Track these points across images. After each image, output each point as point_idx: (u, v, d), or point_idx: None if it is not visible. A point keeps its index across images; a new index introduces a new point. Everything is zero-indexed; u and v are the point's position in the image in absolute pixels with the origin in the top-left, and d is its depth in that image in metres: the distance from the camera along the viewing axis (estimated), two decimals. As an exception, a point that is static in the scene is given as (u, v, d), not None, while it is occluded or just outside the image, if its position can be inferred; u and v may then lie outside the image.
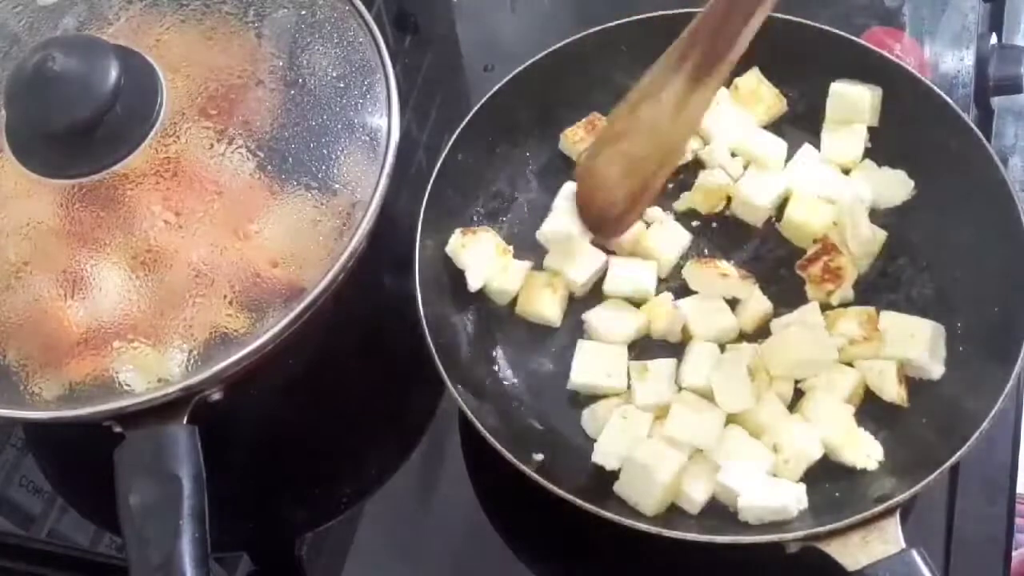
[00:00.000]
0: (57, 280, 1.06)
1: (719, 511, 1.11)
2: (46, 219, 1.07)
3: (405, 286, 1.19)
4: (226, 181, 1.09)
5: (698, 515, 1.10)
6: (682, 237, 1.28)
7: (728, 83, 1.35)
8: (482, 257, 1.24)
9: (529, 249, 1.30)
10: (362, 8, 1.20)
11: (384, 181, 1.11)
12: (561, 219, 1.28)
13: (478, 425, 1.10)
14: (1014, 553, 1.15)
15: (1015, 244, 1.16)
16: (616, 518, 1.04)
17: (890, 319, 1.18)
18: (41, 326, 1.05)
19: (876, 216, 1.27)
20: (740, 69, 1.33)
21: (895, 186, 1.28)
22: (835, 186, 1.27)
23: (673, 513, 1.11)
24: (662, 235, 1.28)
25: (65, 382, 1.04)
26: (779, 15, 1.32)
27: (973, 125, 1.24)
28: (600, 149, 1.17)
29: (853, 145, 1.29)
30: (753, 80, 1.33)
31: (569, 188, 1.30)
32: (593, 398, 1.20)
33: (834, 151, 1.30)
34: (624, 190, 1.15)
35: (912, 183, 1.28)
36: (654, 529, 1.04)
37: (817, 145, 1.31)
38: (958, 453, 1.05)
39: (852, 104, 1.29)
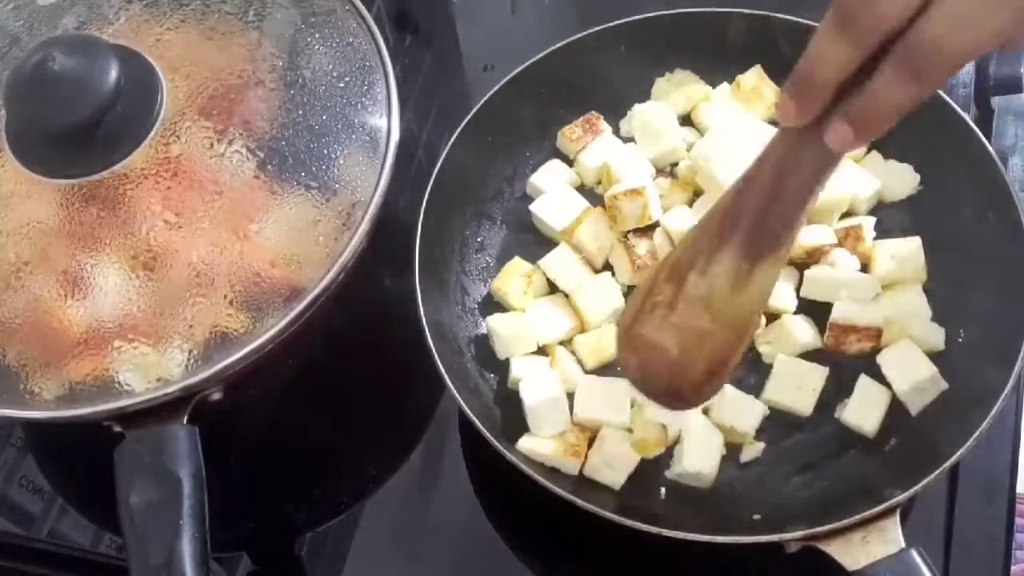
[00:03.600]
0: (57, 280, 1.06)
1: (718, 509, 1.12)
2: (46, 219, 1.07)
3: (405, 286, 1.18)
4: (226, 181, 1.09)
5: (697, 515, 1.11)
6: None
7: (730, 79, 1.35)
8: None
9: (526, 248, 1.30)
10: (362, 8, 1.20)
11: (384, 181, 1.12)
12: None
13: (478, 425, 1.10)
14: (1015, 568, 1.15)
15: (1015, 244, 1.16)
16: (616, 518, 1.04)
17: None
18: (41, 326, 1.05)
19: (881, 210, 1.28)
20: (742, 67, 1.34)
21: (902, 179, 1.28)
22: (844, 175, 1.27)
23: (671, 511, 1.11)
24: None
25: (65, 382, 1.04)
26: (779, 15, 1.32)
27: (973, 125, 1.23)
28: (642, 318, 1.02)
29: None
30: (755, 78, 1.33)
31: (555, 164, 1.33)
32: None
33: None
34: (698, 363, 1.01)
35: (919, 176, 1.27)
36: (654, 529, 1.03)
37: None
38: (958, 453, 1.05)
39: None
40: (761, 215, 0.94)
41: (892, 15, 0.78)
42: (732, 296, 0.97)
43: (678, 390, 1.03)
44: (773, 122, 1.33)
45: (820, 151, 0.88)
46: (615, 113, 1.36)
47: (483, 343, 1.24)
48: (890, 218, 1.27)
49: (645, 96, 1.36)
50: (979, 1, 0.76)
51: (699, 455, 1.13)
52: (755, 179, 0.94)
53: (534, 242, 1.31)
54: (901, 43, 0.78)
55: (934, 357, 1.17)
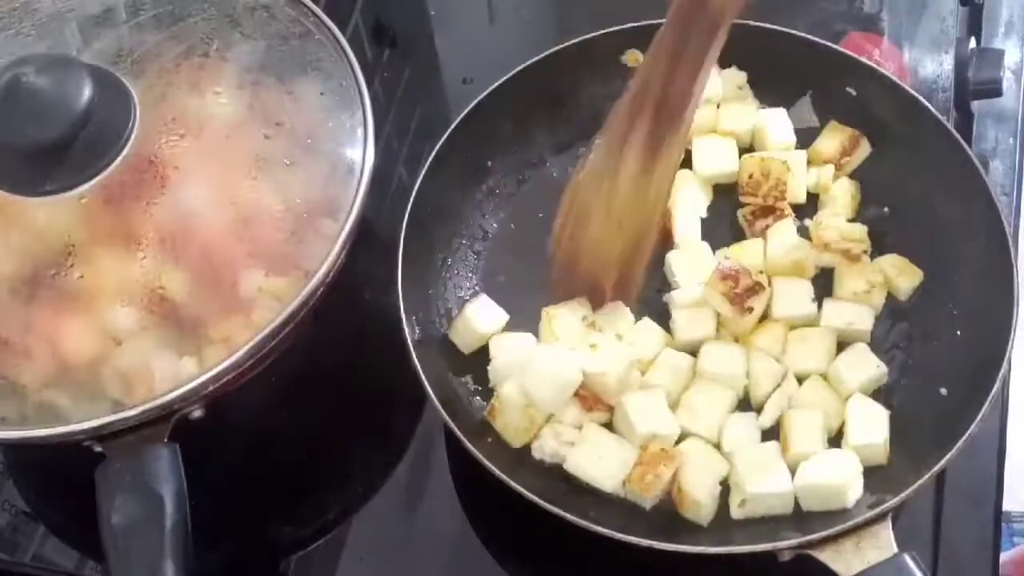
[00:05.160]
0: (33, 302, 1.05)
1: (712, 519, 1.11)
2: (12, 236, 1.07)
3: (388, 301, 1.18)
4: (198, 203, 1.09)
5: (689, 525, 1.10)
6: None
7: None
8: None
9: (508, 266, 1.30)
10: (335, 30, 1.20)
11: (360, 199, 1.11)
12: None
13: (463, 439, 1.09)
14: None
15: (997, 248, 1.16)
16: (607, 532, 1.04)
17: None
18: (17, 345, 1.05)
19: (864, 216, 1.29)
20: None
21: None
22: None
23: (668, 523, 1.10)
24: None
25: (42, 400, 1.03)
26: (756, 23, 1.32)
27: (953, 129, 1.24)
28: (569, 232, 1.15)
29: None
30: None
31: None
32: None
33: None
34: (609, 269, 1.14)
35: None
36: (645, 542, 1.03)
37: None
38: (946, 457, 1.05)
39: None
40: (661, 100, 1.05)
41: None
42: (638, 194, 1.09)
43: (594, 289, 1.18)
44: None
45: (706, 21, 0.99)
46: (595, 125, 1.35)
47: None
48: (873, 224, 1.27)
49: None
50: None
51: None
52: (651, 69, 1.05)
53: (509, 259, 1.30)
54: None
55: (922, 362, 1.17)
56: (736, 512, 1.09)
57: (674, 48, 1.03)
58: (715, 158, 1.31)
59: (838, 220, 1.26)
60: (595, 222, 1.13)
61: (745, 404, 1.17)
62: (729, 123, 1.33)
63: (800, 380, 1.17)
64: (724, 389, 1.17)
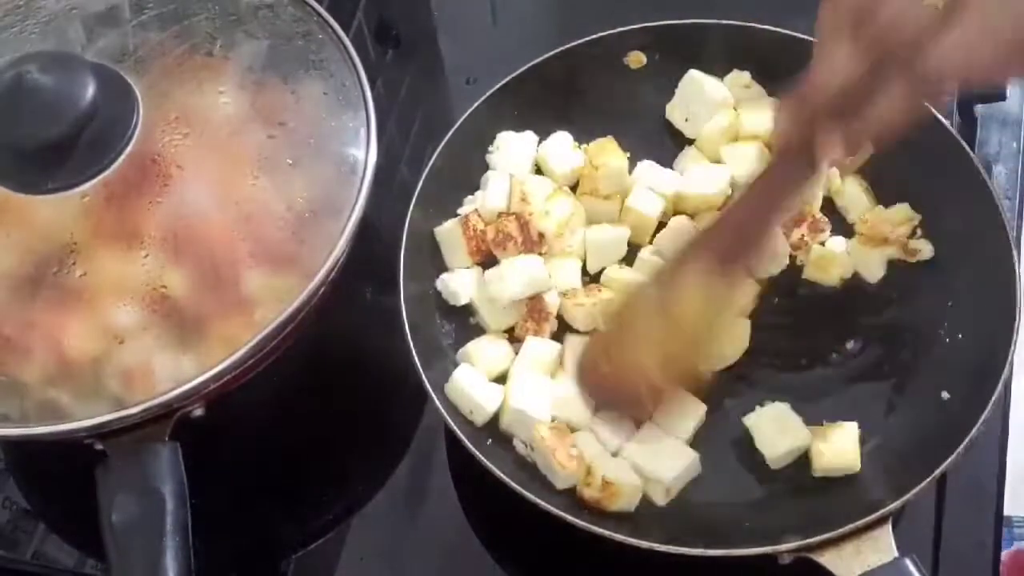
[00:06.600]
0: (35, 300, 1.05)
1: (710, 522, 1.11)
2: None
3: (389, 300, 1.18)
4: (201, 202, 1.09)
5: (689, 528, 1.10)
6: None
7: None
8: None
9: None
10: (341, 34, 1.20)
11: (362, 199, 1.11)
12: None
13: (463, 439, 1.10)
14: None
15: (999, 253, 1.16)
16: (607, 533, 1.04)
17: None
18: (19, 342, 1.05)
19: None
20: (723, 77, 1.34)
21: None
22: None
23: (661, 523, 1.11)
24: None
25: (43, 398, 1.03)
26: (757, 25, 1.32)
27: (956, 133, 1.24)
28: (609, 341, 1.14)
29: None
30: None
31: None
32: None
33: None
34: (650, 378, 1.11)
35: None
36: (645, 544, 1.03)
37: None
38: (947, 460, 1.05)
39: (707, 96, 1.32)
40: (734, 237, 1.06)
41: (904, 26, 0.83)
42: (695, 309, 1.07)
43: (629, 401, 1.13)
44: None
45: (806, 164, 0.97)
46: (598, 123, 1.35)
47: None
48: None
49: (627, 107, 1.36)
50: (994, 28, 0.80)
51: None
52: (745, 197, 1.06)
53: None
54: (918, 64, 0.83)
55: (924, 365, 1.17)
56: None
57: (769, 183, 1.05)
58: (745, 165, 1.30)
59: (878, 210, 1.26)
60: (643, 338, 1.11)
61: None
62: (751, 125, 1.32)
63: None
64: None
